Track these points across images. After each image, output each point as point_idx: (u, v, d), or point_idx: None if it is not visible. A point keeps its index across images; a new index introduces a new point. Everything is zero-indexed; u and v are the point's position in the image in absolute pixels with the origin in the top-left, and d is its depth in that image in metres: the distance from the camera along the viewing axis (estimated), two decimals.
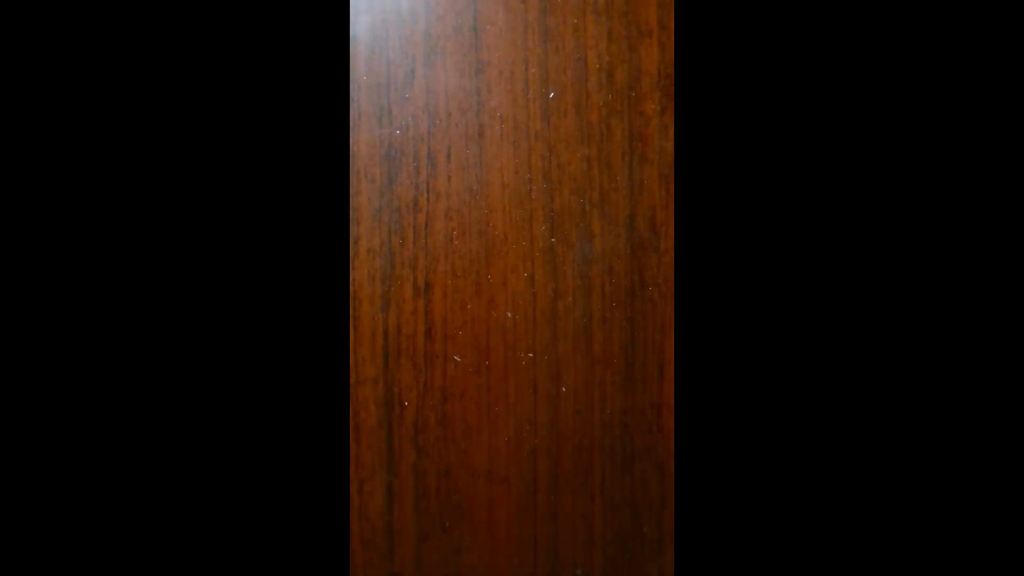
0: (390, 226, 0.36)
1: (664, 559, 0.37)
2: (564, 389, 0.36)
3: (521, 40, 0.35)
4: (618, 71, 0.36)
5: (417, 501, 0.36)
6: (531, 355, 0.36)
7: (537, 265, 0.36)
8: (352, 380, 0.35)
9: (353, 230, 0.35)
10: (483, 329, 0.36)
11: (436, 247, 0.36)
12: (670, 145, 0.36)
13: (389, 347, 0.36)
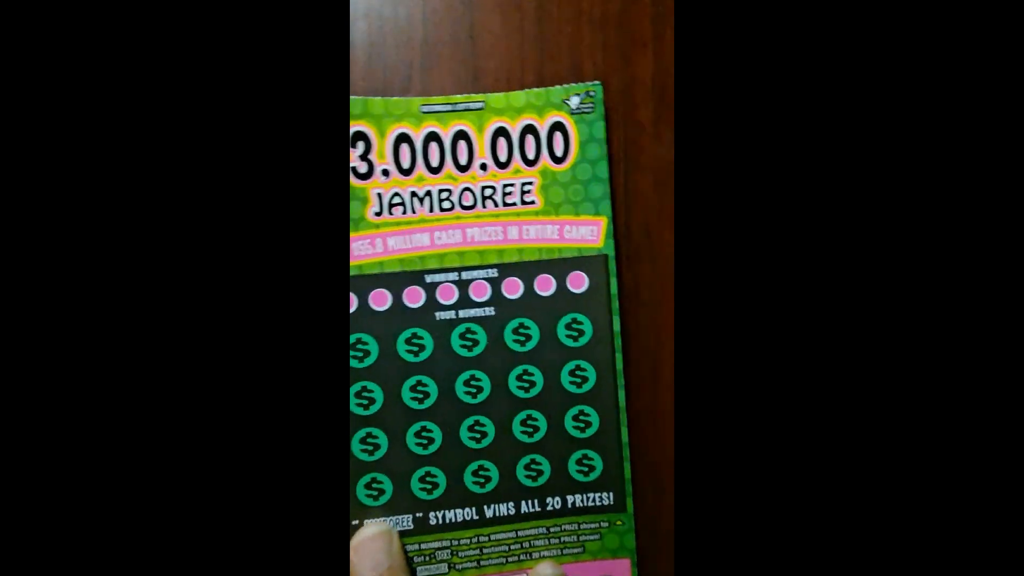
0: None
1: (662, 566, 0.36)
2: None
3: (517, 48, 0.35)
4: (613, 80, 0.36)
5: None
6: None
7: None
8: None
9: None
10: None
11: None
12: (664, 152, 0.36)
13: None
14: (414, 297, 0.34)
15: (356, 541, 0.33)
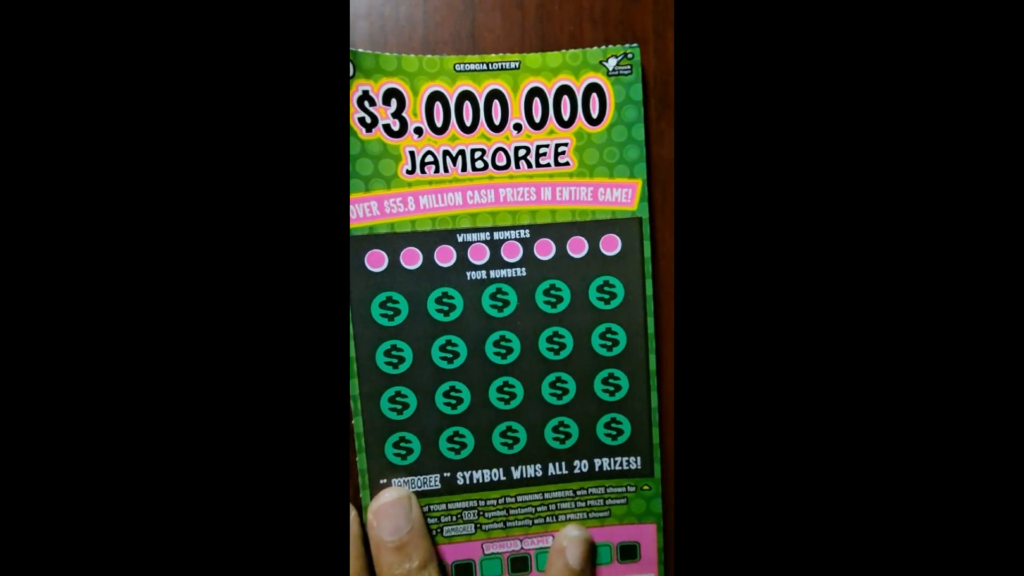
0: None
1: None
2: None
3: (518, 47, 0.35)
4: None
5: None
6: None
7: None
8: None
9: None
10: None
11: None
12: (665, 151, 0.35)
13: None
14: (445, 256, 0.34)
15: (375, 506, 0.33)
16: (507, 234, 0.34)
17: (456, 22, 0.34)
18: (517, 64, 0.34)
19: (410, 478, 0.34)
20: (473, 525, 0.35)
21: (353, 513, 0.33)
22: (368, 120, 0.33)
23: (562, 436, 0.35)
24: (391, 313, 0.34)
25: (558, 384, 0.35)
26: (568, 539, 0.34)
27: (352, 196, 0.33)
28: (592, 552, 0.35)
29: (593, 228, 0.35)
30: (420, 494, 0.34)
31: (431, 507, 0.35)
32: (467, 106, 0.34)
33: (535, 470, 0.35)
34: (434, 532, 0.35)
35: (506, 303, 0.35)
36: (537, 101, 0.34)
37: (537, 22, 0.35)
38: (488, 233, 0.34)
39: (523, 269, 0.34)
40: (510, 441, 0.35)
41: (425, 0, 0.34)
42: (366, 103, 0.33)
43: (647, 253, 0.35)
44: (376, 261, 0.34)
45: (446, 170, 0.34)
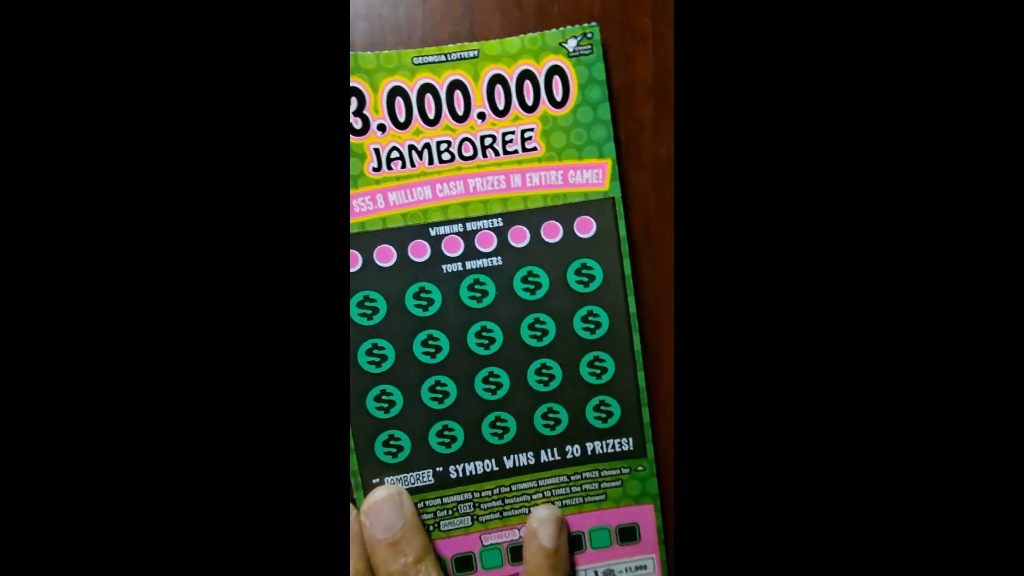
0: None
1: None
2: None
3: None
4: (613, 79, 0.35)
5: None
6: None
7: None
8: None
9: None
10: None
11: None
12: (664, 151, 0.35)
13: None
14: (419, 251, 0.34)
15: (367, 505, 0.33)
16: (480, 224, 0.34)
17: (455, 22, 0.34)
18: (476, 52, 0.33)
19: (402, 475, 0.34)
20: (470, 518, 0.35)
21: (353, 512, 0.33)
22: None
23: (552, 422, 0.35)
24: (369, 312, 0.34)
25: (543, 371, 0.35)
26: (538, 520, 0.34)
27: None
28: (566, 530, 0.35)
29: (566, 211, 0.34)
30: (414, 490, 0.34)
31: (426, 502, 0.35)
32: (428, 99, 0.33)
33: (527, 458, 0.35)
34: (431, 527, 0.35)
35: (484, 293, 0.34)
36: (499, 88, 0.34)
37: (536, 22, 0.35)
38: (460, 225, 0.34)
39: (499, 258, 0.34)
40: (500, 431, 0.35)
41: (424, 1, 0.34)
42: None
43: (622, 233, 0.35)
44: (350, 261, 0.34)
45: (413, 165, 0.33)
